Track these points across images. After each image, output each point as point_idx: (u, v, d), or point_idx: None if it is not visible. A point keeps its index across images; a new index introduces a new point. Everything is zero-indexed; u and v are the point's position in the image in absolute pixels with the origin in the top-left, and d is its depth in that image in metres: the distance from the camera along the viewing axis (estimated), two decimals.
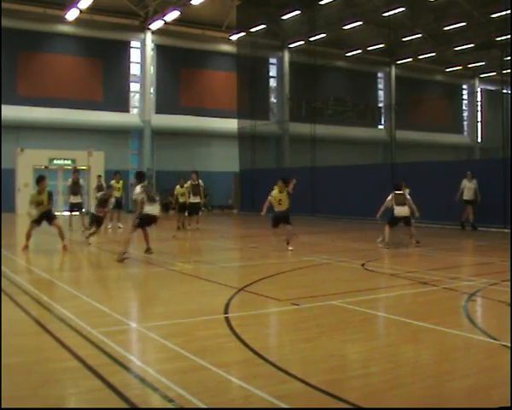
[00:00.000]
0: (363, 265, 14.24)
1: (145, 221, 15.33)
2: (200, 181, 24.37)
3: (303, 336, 7.72)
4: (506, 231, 22.92)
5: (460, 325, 8.46)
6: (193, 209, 24.23)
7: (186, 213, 24.32)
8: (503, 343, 7.40)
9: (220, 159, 44.08)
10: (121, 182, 25.91)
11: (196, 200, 24.06)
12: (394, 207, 18.14)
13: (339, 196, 31.80)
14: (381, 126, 53.41)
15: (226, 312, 8.93)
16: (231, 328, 7.93)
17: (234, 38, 42.61)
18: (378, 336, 8.29)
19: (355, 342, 7.59)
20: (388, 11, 39.00)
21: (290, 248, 17.01)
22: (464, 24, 42.99)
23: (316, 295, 10.44)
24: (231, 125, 42.21)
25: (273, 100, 49.27)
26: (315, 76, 41.44)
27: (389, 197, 18.35)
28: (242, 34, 41.55)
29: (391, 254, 16.91)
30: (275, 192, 17.69)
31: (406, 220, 18.40)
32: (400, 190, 18.46)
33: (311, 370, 6.30)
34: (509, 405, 5.25)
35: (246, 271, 14.16)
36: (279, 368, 6.24)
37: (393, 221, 18.30)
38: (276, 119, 47.85)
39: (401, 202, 18.16)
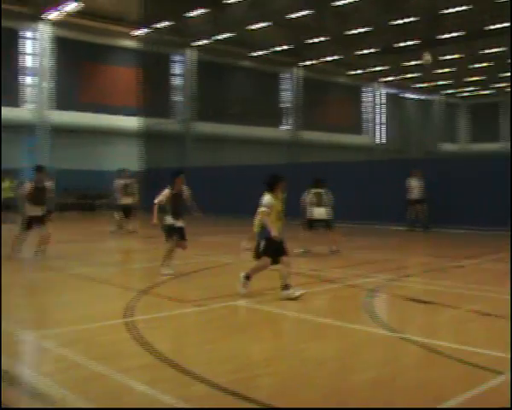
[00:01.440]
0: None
1: (29, 223, 14.58)
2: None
3: (207, 338, 7.70)
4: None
5: (362, 320, 8.64)
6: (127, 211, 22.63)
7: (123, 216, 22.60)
8: (403, 336, 7.64)
9: (123, 158, 43.04)
10: (8, 182, 24.25)
11: (128, 200, 22.64)
12: (309, 208, 16.11)
13: (245, 195, 31.45)
14: (285, 127, 53.98)
15: (128, 316, 8.63)
16: (133, 332, 7.69)
17: (137, 33, 41.89)
18: (283, 335, 8.37)
19: (260, 341, 7.64)
20: (295, 13, 39.58)
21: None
22: (367, 29, 44.00)
23: (220, 296, 10.34)
24: (134, 123, 41.27)
25: (177, 98, 48.77)
26: (220, 75, 41.51)
27: (305, 196, 16.25)
28: (146, 30, 41.00)
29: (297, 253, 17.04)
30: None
31: (325, 223, 16.35)
32: (320, 188, 16.16)
33: (215, 371, 6.24)
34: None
35: (149, 272, 13.72)
36: (183, 371, 6.18)
37: (309, 224, 16.32)
38: (179, 117, 47.47)
39: (318, 202, 16.04)
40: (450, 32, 43.43)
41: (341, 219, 20.35)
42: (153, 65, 41.01)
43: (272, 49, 47.59)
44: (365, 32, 44.26)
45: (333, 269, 13.52)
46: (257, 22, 41.54)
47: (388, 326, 8.20)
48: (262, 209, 10.13)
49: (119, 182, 22.81)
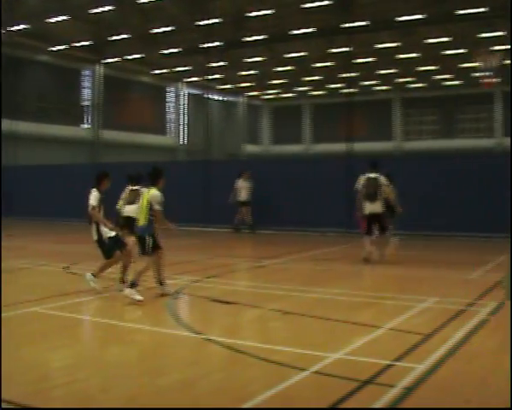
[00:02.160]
0: (66, 268, 13.76)
1: None
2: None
3: (5, 348, 7.16)
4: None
5: (165, 322, 8.55)
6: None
7: None
8: (207, 337, 7.63)
9: None
10: None
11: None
12: (122, 207, 14.04)
13: (41, 196, 30.09)
14: (86, 125, 52.69)
15: None
16: None
17: None
18: (83, 341, 8.08)
19: (59, 349, 7.29)
20: (97, 8, 38.67)
21: None
22: (172, 28, 44.00)
23: (15, 303, 9.70)
24: None
25: None
26: (15, 69, 39.58)
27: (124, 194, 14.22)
28: None
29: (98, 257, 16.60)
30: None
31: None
32: (137, 186, 13.78)
33: (10, 383, 5.79)
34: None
35: None
36: None
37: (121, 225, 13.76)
38: None
39: (132, 200, 13.68)
40: (253, 35, 44.52)
41: None
42: None
43: (73, 45, 46.17)
44: (169, 31, 44.24)
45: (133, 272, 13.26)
46: (56, 15, 39.97)
47: (192, 328, 8.16)
48: (158, 208, 10.07)
49: None
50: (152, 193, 10.15)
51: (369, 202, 14.59)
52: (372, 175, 14.74)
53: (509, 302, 9.58)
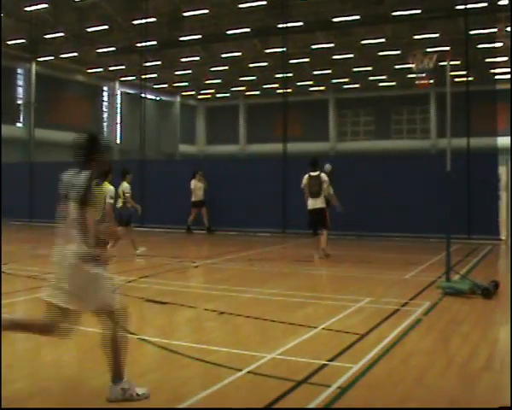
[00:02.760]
0: None
1: None
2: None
3: None
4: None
5: (99, 322, 8.39)
6: None
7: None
8: (141, 337, 7.53)
9: None
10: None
11: None
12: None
13: None
14: (19, 124, 51.63)
15: None
16: None
17: None
18: (15, 342, 7.85)
19: None
20: (31, 6, 37.94)
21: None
22: (107, 27, 43.51)
23: None
24: None
25: None
26: None
27: None
28: None
29: (34, 256, 16.32)
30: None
31: None
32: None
33: None
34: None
35: None
36: None
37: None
38: None
39: None
40: (189, 35, 44.37)
41: None
42: None
43: (6, 42, 45.19)
44: (104, 29, 43.74)
45: None
46: None
47: (126, 328, 8.03)
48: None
49: None
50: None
51: (312, 199, 15.51)
52: (314, 173, 15.58)
53: (442, 302, 9.78)
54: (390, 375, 6.23)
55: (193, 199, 22.82)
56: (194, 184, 22.83)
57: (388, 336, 7.55)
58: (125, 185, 16.18)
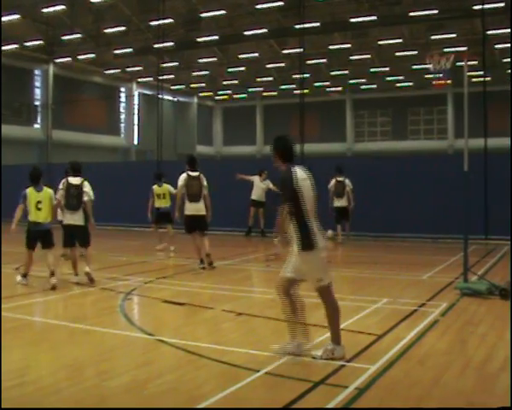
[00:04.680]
0: (17, 269, 13.55)
1: None
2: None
3: None
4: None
5: (117, 323, 8.47)
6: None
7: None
8: (160, 338, 7.58)
9: None
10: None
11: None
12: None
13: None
14: (37, 125, 51.96)
15: None
16: None
17: None
18: (35, 343, 7.93)
19: (9, 350, 7.15)
20: (48, 8, 38.17)
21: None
22: (124, 28, 43.71)
23: None
24: None
25: None
26: None
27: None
28: None
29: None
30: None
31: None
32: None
33: None
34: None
35: None
36: None
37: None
38: None
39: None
40: (206, 36, 44.48)
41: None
42: None
43: (24, 44, 45.50)
44: (121, 31, 43.94)
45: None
46: (7, 14, 39.36)
47: (144, 329, 8.11)
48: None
49: None
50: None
51: (337, 199, 19.44)
52: (340, 178, 19.45)
53: (459, 304, 9.75)
54: (407, 376, 6.22)
55: (252, 198, 21.97)
56: (256, 182, 21.95)
57: (406, 337, 7.54)
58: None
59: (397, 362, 6.58)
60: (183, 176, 14.11)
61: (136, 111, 62.61)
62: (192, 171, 14.18)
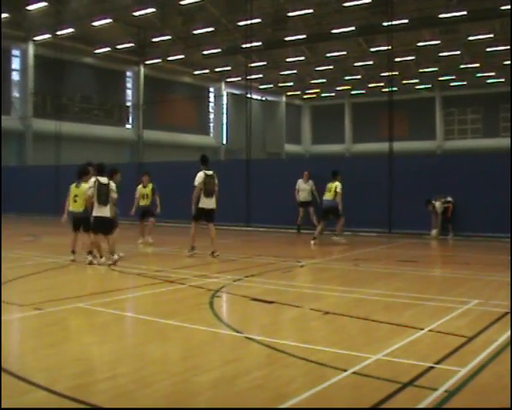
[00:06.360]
0: (109, 265, 13.97)
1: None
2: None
3: (47, 342, 7.34)
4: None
5: (206, 320, 8.57)
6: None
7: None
8: (247, 336, 7.64)
9: None
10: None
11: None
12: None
13: None
14: (128, 126, 53.24)
15: None
16: None
17: None
18: (125, 337, 8.16)
19: (102, 344, 7.38)
20: (138, 10, 39.07)
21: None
22: (212, 29, 44.24)
23: (60, 299, 9.95)
24: None
25: (15, 94, 46.26)
26: (61, 71, 40.23)
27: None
28: None
29: (138, 254, 16.83)
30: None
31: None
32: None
33: (55, 377, 5.99)
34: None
35: None
36: (20, 378, 5.86)
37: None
38: (18, 114, 45.13)
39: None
40: (293, 35, 44.55)
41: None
42: None
43: (116, 47, 46.71)
44: (210, 31, 44.49)
45: (175, 270, 13.40)
46: (100, 19, 40.54)
47: (232, 326, 8.19)
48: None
49: None
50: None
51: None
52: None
53: None
54: (500, 379, 6.05)
55: (299, 199, 22.93)
56: (298, 184, 22.94)
57: (497, 340, 7.34)
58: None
59: (488, 365, 6.40)
60: (201, 174, 15.58)
61: (224, 110, 63.26)
62: (207, 169, 15.76)
